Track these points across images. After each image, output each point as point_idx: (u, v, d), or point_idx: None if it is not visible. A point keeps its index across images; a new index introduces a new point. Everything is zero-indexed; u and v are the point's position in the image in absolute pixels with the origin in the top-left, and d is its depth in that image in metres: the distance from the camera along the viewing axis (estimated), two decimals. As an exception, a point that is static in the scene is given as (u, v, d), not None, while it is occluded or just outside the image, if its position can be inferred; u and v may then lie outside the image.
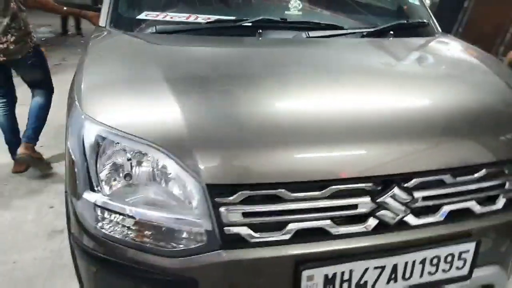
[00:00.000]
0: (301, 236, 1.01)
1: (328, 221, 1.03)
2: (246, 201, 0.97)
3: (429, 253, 1.10)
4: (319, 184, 1.00)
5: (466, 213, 1.15)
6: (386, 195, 1.04)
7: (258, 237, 0.99)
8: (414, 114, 1.16)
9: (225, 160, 0.98)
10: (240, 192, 0.96)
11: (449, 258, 1.13)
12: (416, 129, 1.12)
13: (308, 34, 1.52)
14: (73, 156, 1.07)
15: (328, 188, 1.00)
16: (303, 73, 1.32)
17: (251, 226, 0.98)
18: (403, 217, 1.07)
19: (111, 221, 1.02)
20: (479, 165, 1.13)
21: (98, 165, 1.03)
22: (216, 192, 0.96)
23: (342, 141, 1.05)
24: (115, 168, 1.01)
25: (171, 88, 1.12)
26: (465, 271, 1.17)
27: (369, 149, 1.05)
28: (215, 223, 0.97)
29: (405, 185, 1.06)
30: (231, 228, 0.97)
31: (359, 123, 1.10)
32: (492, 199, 1.19)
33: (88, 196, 1.03)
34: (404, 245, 1.08)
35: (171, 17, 1.57)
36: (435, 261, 1.12)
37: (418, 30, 1.76)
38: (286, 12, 1.76)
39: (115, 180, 1.01)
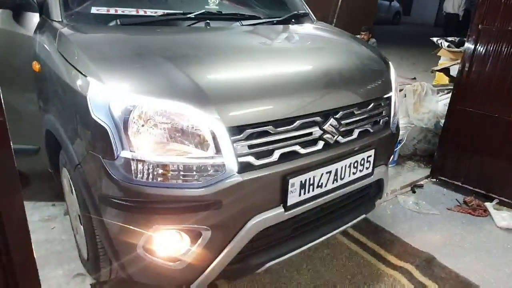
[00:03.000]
0: (284, 158, 1.49)
1: (298, 146, 1.53)
2: (250, 137, 1.39)
3: (352, 160, 1.72)
4: (291, 120, 1.49)
5: (367, 132, 1.80)
6: (327, 123, 1.60)
7: (258, 162, 1.42)
8: (335, 74, 1.73)
9: (236, 110, 1.37)
10: (246, 131, 1.38)
11: (362, 162, 1.77)
12: (337, 83, 1.70)
13: (242, 23, 1.98)
14: (104, 125, 1.28)
15: (296, 122, 1.50)
16: (261, 50, 1.78)
17: (254, 155, 1.41)
18: (337, 138, 1.65)
19: (149, 171, 1.30)
20: (370, 100, 1.80)
21: (131, 128, 1.28)
22: (232, 133, 1.35)
23: (301, 93, 1.56)
24: (150, 128, 1.29)
25: (173, 63, 1.43)
26: (370, 170, 1.83)
27: (315, 96, 1.59)
28: (233, 156, 1.36)
29: (336, 116, 1.63)
30: (242, 158, 1.38)
31: (307, 82, 1.63)
32: (377, 122, 1.88)
33: (126, 154, 1.28)
34: (339, 156, 1.66)
35: (123, 11, 1.79)
36: (355, 164, 1.74)
37: (305, 18, 2.39)
38: (206, 6, 2.16)
39: (151, 137, 1.29)
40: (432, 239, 2.34)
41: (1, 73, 1.95)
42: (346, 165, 1.70)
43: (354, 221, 1.96)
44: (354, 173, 1.76)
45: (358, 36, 6.24)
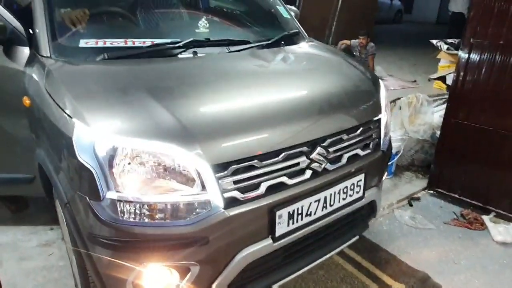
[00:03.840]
0: (271, 190, 1.49)
1: (285, 177, 1.53)
2: (235, 173, 1.40)
3: (341, 186, 1.72)
4: (276, 153, 1.50)
5: (356, 157, 1.80)
6: (314, 152, 1.60)
7: (245, 196, 1.43)
8: (323, 102, 1.73)
9: (220, 147, 1.38)
10: (231, 167, 1.39)
11: (352, 186, 1.77)
12: (325, 110, 1.70)
13: (229, 49, 1.98)
14: (89, 167, 1.30)
15: (282, 154, 1.50)
16: (248, 80, 1.78)
17: (240, 189, 1.42)
18: (325, 165, 1.65)
19: (136, 211, 1.31)
20: (358, 125, 1.79)
21: (116, 169, 1.30)
22: (216, 170, 1.36)
23: (287, 124, 1.56)
24: (135, 168, 1.31)
25: (157, 99, 1.44)
26: (360, 193, 1.83)
27: (301, 126, 1.59)
28: (218, 192, 1.37)
29: (323, 144, 1.64)
30: (228, 193, 1.39)
31: (294, 112, 1.62)
32: (367, 146, 1.88)
33: (112, 195, 1.30)
34: (328, 183, 1.66)
35: (111, 43, 1.81)
36: (345, 190, 1.74)
37: (295, 37, 2.39)
38: (196, 30, 2.17)
39: (136, 178, 1.31)
40: (427, 256, 2.33)
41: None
42: (335, 192, 1.71)
43: (347, 243, 1.97)
44: (344, 199, 1.76)
45: (357, 40, 6.22)
